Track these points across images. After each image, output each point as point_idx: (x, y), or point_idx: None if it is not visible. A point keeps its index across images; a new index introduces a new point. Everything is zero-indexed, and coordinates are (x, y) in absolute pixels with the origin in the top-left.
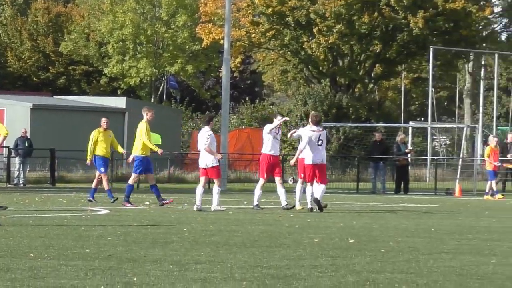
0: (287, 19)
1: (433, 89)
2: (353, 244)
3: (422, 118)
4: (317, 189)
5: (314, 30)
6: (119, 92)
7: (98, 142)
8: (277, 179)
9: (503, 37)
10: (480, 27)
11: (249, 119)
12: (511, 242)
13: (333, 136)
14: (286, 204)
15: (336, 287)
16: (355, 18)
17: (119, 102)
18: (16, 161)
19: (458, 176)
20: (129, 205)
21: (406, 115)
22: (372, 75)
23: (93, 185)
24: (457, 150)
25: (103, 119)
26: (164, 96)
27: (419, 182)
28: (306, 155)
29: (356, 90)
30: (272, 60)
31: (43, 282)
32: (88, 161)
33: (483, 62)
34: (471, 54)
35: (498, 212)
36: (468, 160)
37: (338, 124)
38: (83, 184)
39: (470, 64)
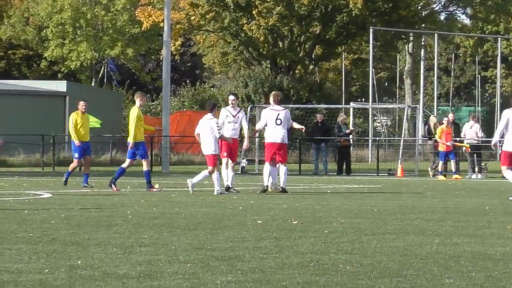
0: (226, 1)
1: (373, 70)
2: (297, 225)
3: (363, 99)
4: (281, 174)
5: (254, 12)
6: (59, 75)
7: (78, 125)
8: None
9: (442, 17)
10: (419, 7)
11: (190, 102)
12: (454, 222)
13: None
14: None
15: (280, 268)
16: None
17: (60, 85)
18: None
19: (400, 156)
20: (112, 188)
21: (347, 96)
22: (313, 56)
23: (84, 171)
24: (399, 130)
25: (81, 102)
26: (105, 80)
27: (361, 163)
28: (266, 134)
29: (296, 71)
30: (212, 43)
31: None
32: (77, 142)
33: (422, 43)
34: (410, 34)
35: (440, 192)
36: (410, 140)
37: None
38: (25, 168)
39: (410, 44)
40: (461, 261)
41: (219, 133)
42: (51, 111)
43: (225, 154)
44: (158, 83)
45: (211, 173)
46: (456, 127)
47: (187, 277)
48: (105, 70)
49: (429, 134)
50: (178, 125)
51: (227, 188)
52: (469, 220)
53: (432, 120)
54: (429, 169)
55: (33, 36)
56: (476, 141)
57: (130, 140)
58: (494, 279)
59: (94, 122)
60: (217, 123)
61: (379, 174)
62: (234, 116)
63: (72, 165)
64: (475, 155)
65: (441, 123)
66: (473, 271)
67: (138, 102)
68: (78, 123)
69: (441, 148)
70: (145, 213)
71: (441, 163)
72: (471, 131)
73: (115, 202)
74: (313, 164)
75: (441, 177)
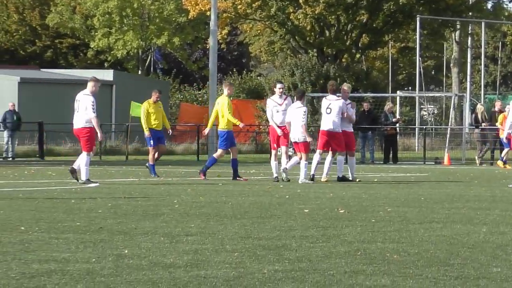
0: None
1: (420, 58)
2: (344, 214)
3: (410, 88)
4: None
5: (300, 0)
6: (106, 65)
7: (150, 114)
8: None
9: (489, 5)
10: None
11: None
12: (501, 210)
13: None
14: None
15: (327, 257)
16: None
17: (107, 74)
18: (4, 135)
19: (446, 145)
20: (203, 177)
21: (393, 84)
22: (359, 45)
23: (150, 161)
24: (445, 119)
25: (155, 91)
26: (151, 69)
27: (408, 151)
28: (321, 123)
29: (343, 60)
30: (258, 31)
31: (34, 255)
32: (147, 133)
33: (469, 31)
34: (457, 23)
35: (487, 181)
36: (456, 129)
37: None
38: (72, 157)
39: (457, 33)
40: (509, 250)
41: (303, 121)
42: (97, 100)
43: (274, 145)
44: (204, 72)
45: (306, 160)
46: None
47: (234, 266)
48: (152, 59)
49: (476, 122)
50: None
51: (312, 178)
52: None
53: (480, 108)
54: (476, 157)
55: (80, 25)
56: None
57: (224, 128)
58: None
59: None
60: (305, 112)
61: (426, 163)
62: (280, 104)
63: (150, 156)
64: None
65: (500, 111)
66: None
67: (226, 91)
68: (150, 112)
69: (502, 135)
70: (192, 202)
71: (506, 150)
72: None
73: (161, 191)
74: (360, 152)
75: (501, 163)
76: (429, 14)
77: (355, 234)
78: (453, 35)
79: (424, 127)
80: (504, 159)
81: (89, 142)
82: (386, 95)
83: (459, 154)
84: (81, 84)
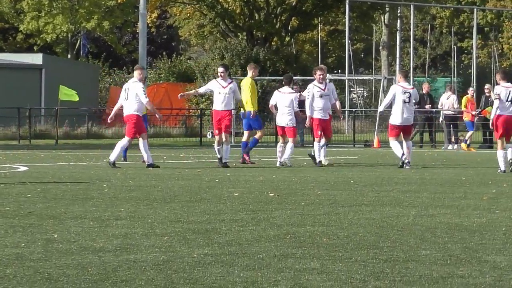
0: None
1: (349, 41)
2: (273, 197)
3: (340, 71)
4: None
5: None
6: (35, 48)
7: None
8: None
9: None
10: None
11: (166, 74)
12: (430, 193)
13: None
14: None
15: (257, 241)
16: None
17: (36, 58)
18: None
19: (376, 128)
20: (247, 158)
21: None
22: (289, 28)
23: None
24: (375, 102)
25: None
26: (81, 53)
27: (338, 134)
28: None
29: (273, 43)
30: (188, 15)
31: None
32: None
33: (399, 14)
34: (386, 5)
35: (416, 163)
36: (386, 111)
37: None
38: (0, 142)
39: (386, 15)
40: (437, 233)
41: (296, 107)
42: (27, 84)
43: (216, 131)
44: (134, 55)
45: (293, 143)
46: (430, 98)
47: (163, 250)
48: (81, 42)
49: None
50: (154, 97)
51: (222, 163)
52: (445, 191)
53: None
54: None
55: (9, 8)
56: (452, 112)
57: (250, 109)
58: (470, 250)
59: (72, 95)
60: (295, 98)
61: (356, 146)
62: (224, 87)
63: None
64: (451, 126)
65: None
66: (449, 242)
67: (250, 73)
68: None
69: (466, 117)
70: (121, 186)
71: (470, 133)
72: (448, 102)
73: (91, 175)
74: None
75: (465, 146)
76: None
77: (284, 218)
78: (382, 17)
79: (354, 110)
80: (468, 141)
81: (134, 128)
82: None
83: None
84: (10, 68)
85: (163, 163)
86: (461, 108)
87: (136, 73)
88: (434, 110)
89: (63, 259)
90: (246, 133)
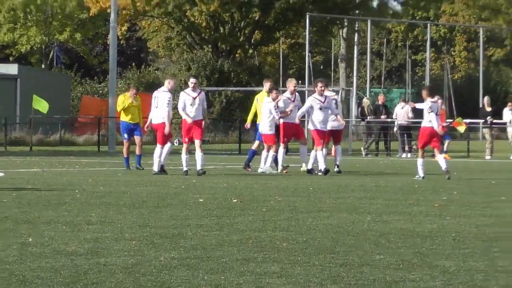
0: None
1: (309, 54)
2: (237, 203)
3: (300, 82)
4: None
5: None
6: (11, 59)
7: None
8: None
9: (375, 4)
10: None
11: (135, 84)
12: (384, 200)
13: (216, 99)
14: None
15: (220, 245)
16: None
17: (11, 69)
18: None
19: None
20: (249, 169)
21: (284, 78)
22: (252, 41)
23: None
24: None
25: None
26: (54, 63)
27: (297, 143)
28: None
29: (237, 55)
30: (156, 28)
31: None
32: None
33: (356, 28)
34: (345, 20)
35: (372, 171)
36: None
37: (220, 88)
38: None
39: (344, 30)
40: (391, 238)
41: (277, 115)
42: (2, 93)
43: (186, 138)
44: (105, 66)
45: (274, 152)
46: (385, 109)
47: (132, 254)
48: (54, 53)
49: (362, 115)
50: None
51: (187, 173)
52: (399, 198)
53: (365, 102)
54: (362, 148)
55: None
56: (406, 122)
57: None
58: (422, 255)
59: (43, 106)
60: (274, 106)
61: None
62: (194, 98)
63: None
64: (405, 135)
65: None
66: (402, 247)
67: (266, 86)
68: (128, 106)
69: (438, 128)
70: (92, 192)
71: (448, 141)
72: (402, 112)
73: (64, 181)
74: (252, 143)
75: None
76: (318, 12)
77: (247, 223)
78: (340, 32)
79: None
80: (446, 150)
81: (165, 136)
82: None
83: (345, 145)
84: None
85: (131, 170)
86: (414, 119)
87: (166, 83)
88: (389, 120)
89: (37, 262)
90: (256, 143)
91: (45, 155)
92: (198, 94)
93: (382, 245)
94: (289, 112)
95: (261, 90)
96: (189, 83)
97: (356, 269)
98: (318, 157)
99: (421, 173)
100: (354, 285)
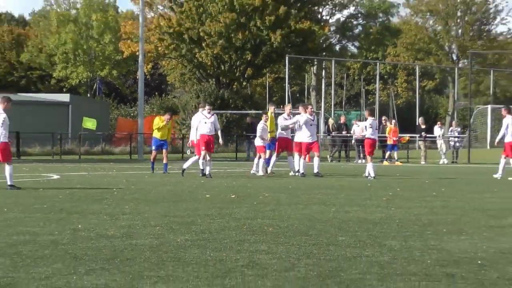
0: (183, 36)
1: (288, 85)
2: (234, 198)
3: (281, 106)
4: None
5: (203, 44)
6: (64, 90)
7: (160, 128)
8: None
9: (337, 47)
10: (321, 41)
11: (158, 108)
12: (346, 195)
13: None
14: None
15: (222, 230)
16: (232, 35)
17: (64, 97)
18: None
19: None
20: (266, 173)
21: (269, 104)
22: (245, 75)
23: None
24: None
25: (168, 113)
26: (97, 93)
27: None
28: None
29: (234, 86)
30: (173, 66)
31: (13, 229)
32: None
33: (323, 66)
34: (315, 60)
35: (335, 174)
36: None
37: (222, 111)
38: (40, 157)
39: (315, 67)
40: (350, 224)
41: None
42: (58, 115)
43: (203, 148)
44: (135, 95)
45: (264, 158)
46: (346, 126)
47: (156, 237)
48: (97, 85)
49: (328, 131)
50: (150, 125)
51: (204, 174)
52: (357, 194)
53: (331, 121)
54: (328, 156)
55: (45, 60)
56: (362, 136)
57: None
58: (374, 237)
59: (91, 125)
60: (265, 125)
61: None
62: (208, 118)
63: (152, 156)
64: (360, 146)
65: (387, 124)
66: (359, 231)
67: (271, 109)
68: (160, 126)
69: (389, 141)
70: (126, 190)
71: (389, 152)
72: (358, 129)
73: (104, 182)
74: (246, 152)
75: (397, 162)
76: (295, 54)
77: (242, 213)
78: (312, 68)
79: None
80: (396, 158)
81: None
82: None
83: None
84: (46, 104)
85: (155, 173)
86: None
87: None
88: (348, 134)
89: (85, 243)
90: (268, 152)
91: (90, 162)
92: (211, 116)
93: (343, 229)
94: (290, 126)
95: (248, 113)
96: (206, 108)
97: (324, 247)
98: (315, 163)
99: (372, 173)
100: (323, 259)
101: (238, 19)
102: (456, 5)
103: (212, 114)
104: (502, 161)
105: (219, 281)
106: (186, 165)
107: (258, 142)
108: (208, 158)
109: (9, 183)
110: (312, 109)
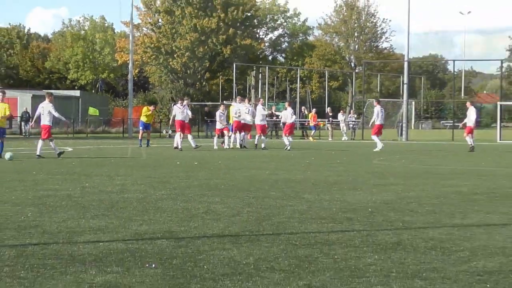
0: (161, 49)
1: (236, 84)
2: (197, 165)
3: (231, 99)
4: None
5: (175, 55)
6: (76, 87)
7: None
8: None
9: (270, 58)
10: (259, 53)
11: (142, 101)
12: (275, 163)
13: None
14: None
15: (188, 187)
16: (195, 49)
17: (76, 93)
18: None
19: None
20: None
21: (223, 98)
22: (205, 78)
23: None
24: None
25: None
26: (99, 90)
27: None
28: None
29: (197, 85)
30: (154, 71)
31: (40, 186)
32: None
33: (260, 71)
34: (254, 67)
35: (269, 147)
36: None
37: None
38: (60, 135)
39: (254, 72)
40: (279, 183)
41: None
42: (72, 106)
43: (179, 129)
44: (126, 91)
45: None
46: (275, 115)
47: (141, 192)
48: (99, 85)
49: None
50: (137, 113)
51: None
52: (284, 162)
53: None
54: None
55: (62, 66)
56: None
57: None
58: (295, 192)
59: (95, 111)
60: (221, 112)
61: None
62: (183, 106)
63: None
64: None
65: (305, 112)
66: (285, 188)
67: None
68: (146, 114)
69: (311, 123)
70: (120, 159)
71: (314, 131)
72: (284, 115)
73: (104, 153)
74: (204, 132)
75: (311, 139)
76: (240, 62)
77: (202, 175)
78: (252, 73)
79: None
80: (311, 136)
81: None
82: (219, 103)
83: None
84: (64, 97)
85: (142, 147)
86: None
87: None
88: (277, 119)
89: (90, 197)
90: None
91: (94, 139)
92: (184, 106)
93: (274, 187)
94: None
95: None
96: (184, 101)
97: (260, 199)
98: (260, 139)
99: (288, 146)
100: (260, 208)
101: (200, 37)
102: (354, 28)
103: (185, 105)
104: (375, 138)
105: (186, 223)
106: (176, 143)
107: (218, 125)
108: (182, 136)
109: (37, 153)
110: (262, 101)
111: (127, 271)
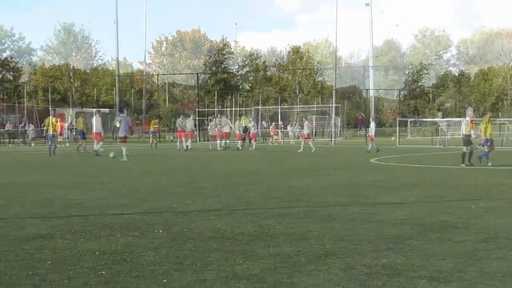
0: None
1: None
2: (190, 161)
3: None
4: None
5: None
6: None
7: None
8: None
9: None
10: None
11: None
12: (243, 160)
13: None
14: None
15: (181, 186)
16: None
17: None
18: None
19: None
20: None
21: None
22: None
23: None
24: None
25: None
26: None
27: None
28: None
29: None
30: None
31: (83, 179)
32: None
33: (234, 97)
34: (229, 93)
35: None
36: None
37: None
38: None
39: (230, 96)
40: (263, 176)
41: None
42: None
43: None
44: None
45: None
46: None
47: (139, 181)
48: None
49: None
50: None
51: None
52: (251, 159)
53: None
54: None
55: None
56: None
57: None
58: (282, 180)
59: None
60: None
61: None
62: (183, 120)
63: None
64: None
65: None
66: (267, 180)
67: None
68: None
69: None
70: (135, 157)
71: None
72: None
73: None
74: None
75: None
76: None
77: (190, 168)
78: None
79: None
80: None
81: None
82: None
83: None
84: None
85: (151, 148)
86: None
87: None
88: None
89: (117, 184)
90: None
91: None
92: (184, 120)
93: (255, 182)
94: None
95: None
96: (181, 117)
97: (242, 196)
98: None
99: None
100: (241, 203)
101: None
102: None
103: (184, 119)
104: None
105: (182, 202)
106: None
107: (212, 131)
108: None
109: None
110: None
111: (142, 234)
